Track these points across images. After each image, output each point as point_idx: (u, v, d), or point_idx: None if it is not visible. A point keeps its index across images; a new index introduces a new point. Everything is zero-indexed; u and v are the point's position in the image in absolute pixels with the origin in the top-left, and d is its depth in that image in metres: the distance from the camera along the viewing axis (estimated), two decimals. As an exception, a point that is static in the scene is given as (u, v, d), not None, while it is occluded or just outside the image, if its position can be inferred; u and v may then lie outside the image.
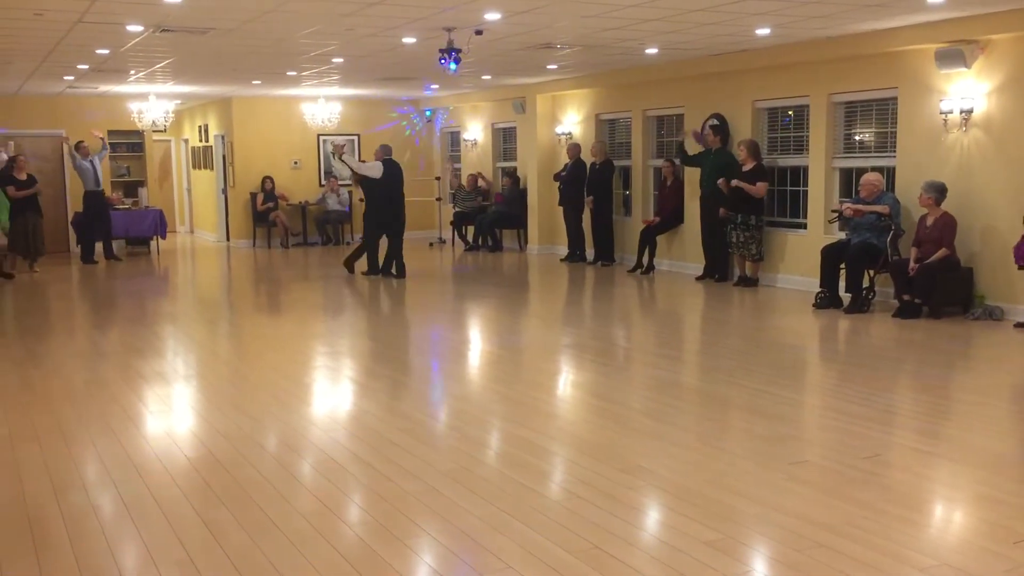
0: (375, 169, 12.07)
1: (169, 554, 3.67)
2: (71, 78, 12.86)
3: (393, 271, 12.22)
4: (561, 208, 13.93)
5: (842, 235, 9.66)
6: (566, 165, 13.74)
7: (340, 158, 12.61)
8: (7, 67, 11.42)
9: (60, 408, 5.94)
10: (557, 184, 13.89)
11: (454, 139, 18.07)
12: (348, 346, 8.18)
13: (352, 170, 12.62)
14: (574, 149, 13.64)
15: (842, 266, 9.27)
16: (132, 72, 12.20)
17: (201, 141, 18.86)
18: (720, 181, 10.84)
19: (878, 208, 9.04)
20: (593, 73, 13.08)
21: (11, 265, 13.09)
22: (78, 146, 14.60)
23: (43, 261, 13.95)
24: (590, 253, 13.58)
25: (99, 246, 14.88)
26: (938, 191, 8.70)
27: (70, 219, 15.88)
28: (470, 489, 4.33)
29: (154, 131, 16.83)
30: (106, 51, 10.09)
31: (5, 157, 13.48)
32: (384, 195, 12.12)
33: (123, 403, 6.09)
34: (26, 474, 4.67)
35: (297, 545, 3.72)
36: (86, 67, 11.52)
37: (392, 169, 12.15)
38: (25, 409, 5.94)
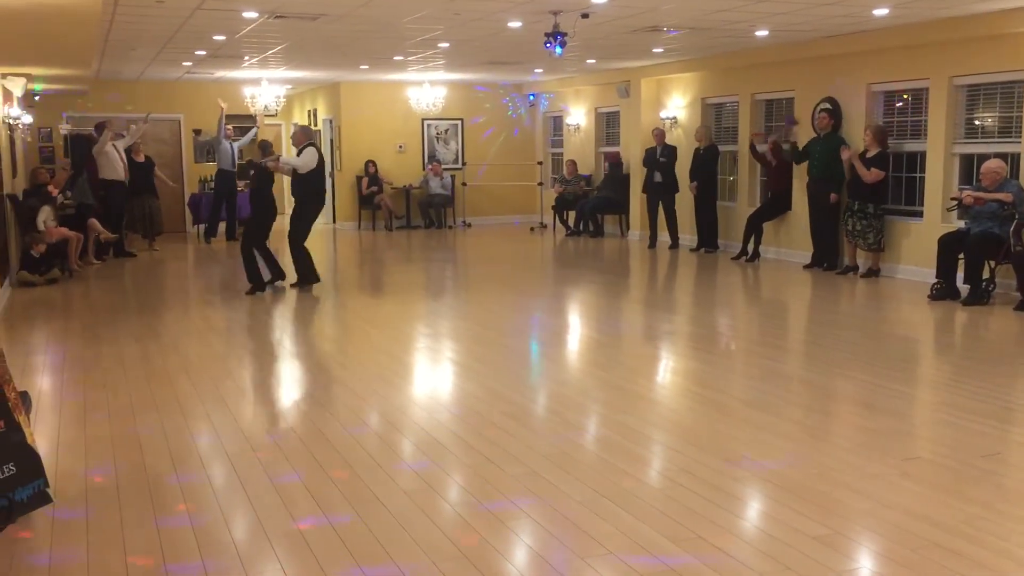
0: (310, 158, 9.99)
1: (279, 526, 3.79)
2: (189, 64, 13.33)
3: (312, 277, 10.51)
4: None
5: (960, 224, 9.26)
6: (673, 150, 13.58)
7: (276, 164, 10.16)
8: (130, 53, 11.90)
9: (177, 381, 6.19)
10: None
11: (556, 124, 18.01)
12: (450, 328, 8.27)
13: (294, 168, 10.07)
14: (659, 135, 13.48)
15: (960, 256, 8.90)
16: (246, 58, 12.57)
17: (310, 125, 19.30)
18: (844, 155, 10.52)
19: (1000, 196, 8.63)
20: (700, 56, 12.85)
21: (130, 244, 13.72)
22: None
23: (161, 240, 14.54)
24: (689, 239, 13.37)
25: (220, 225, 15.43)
26: (1069, 178, 8.26)
27: (186, 200, 16.54)
28: (571, 474, 4.33)
29: (266, 115, 17.31)
30: (222, 37, 10.41)
31: (133, 129, 13.97)
32: (317, 186, 10.30)
33: (235, 377, 6.31)
34: (146, 444, 4.88)
35: (401, 522, 3.79)
36: (203, 53, 11.92)
37: (319, 154, 10.24)
38: (145, 381, 6.21)
